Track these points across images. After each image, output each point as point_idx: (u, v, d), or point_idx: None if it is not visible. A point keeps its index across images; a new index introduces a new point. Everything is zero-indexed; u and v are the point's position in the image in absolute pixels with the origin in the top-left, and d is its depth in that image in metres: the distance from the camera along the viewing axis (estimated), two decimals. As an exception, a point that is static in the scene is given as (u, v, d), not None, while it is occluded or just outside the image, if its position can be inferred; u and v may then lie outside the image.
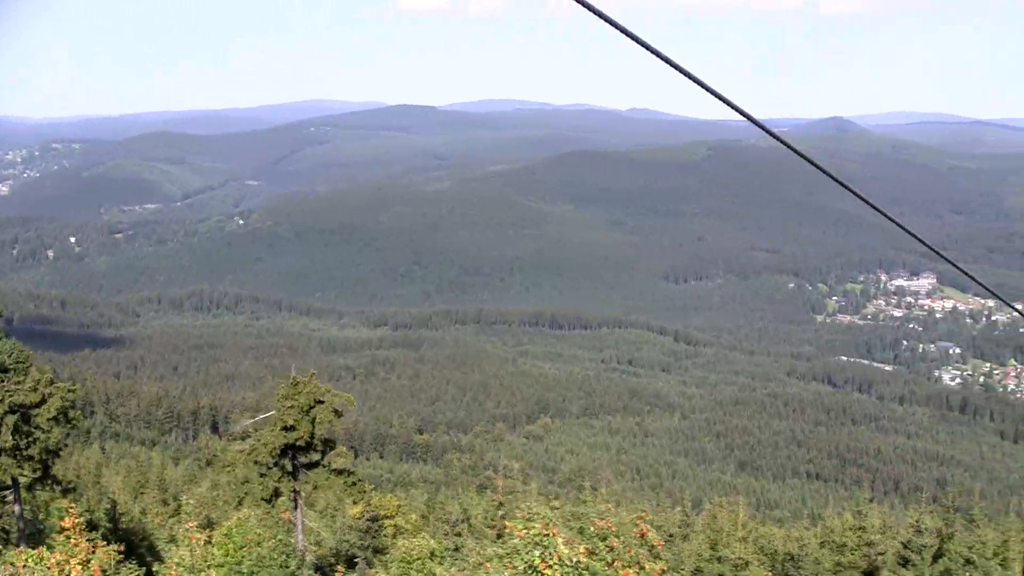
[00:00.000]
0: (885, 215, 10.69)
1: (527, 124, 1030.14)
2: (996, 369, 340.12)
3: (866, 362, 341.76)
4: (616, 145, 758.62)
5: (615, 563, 21.23)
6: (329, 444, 42.27)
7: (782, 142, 8.78)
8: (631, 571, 21.33)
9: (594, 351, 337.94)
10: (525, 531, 19.47)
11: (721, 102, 8.34)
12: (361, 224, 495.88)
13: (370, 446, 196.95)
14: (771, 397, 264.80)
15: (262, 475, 40.45)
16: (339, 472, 41.47)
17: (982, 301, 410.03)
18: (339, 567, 39.29)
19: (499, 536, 45.73)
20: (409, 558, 29.70)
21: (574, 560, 19.04)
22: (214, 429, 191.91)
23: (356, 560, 44.54)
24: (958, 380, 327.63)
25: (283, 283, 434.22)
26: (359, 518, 50.42)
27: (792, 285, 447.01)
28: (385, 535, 52.36)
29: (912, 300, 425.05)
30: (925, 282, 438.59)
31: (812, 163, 9.05)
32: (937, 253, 11.69)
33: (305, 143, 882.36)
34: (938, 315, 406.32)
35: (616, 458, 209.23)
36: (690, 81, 7.90)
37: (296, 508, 43.60)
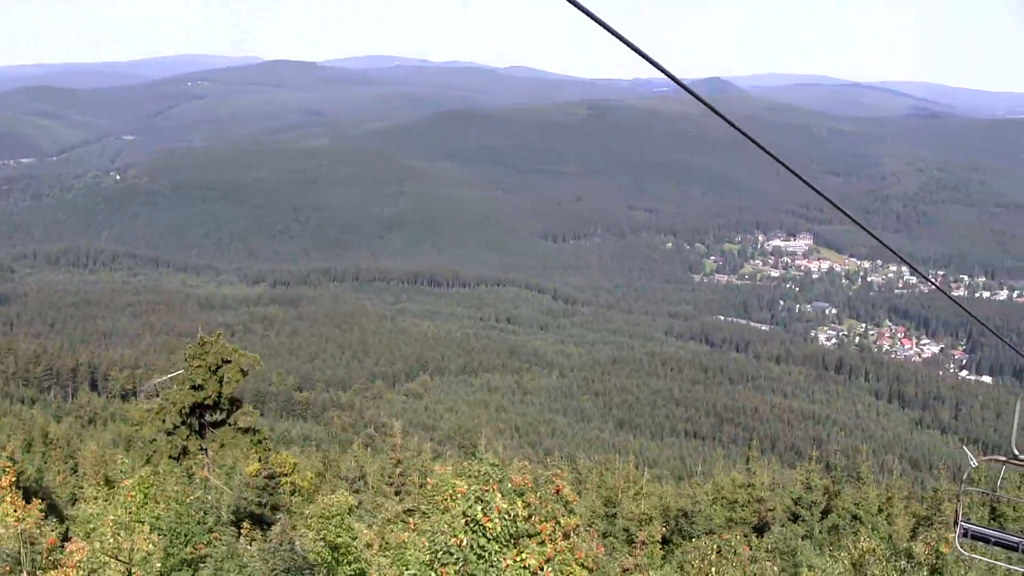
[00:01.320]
0: (807, 182, 11.22)
1: (406, 81, 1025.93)
2: (871, 329, 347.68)
3: (743, 322, 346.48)
4: (495, 103, 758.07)
5: (532, 518, 21.99)
6: (235, 403, 42.51)
7: (709, 105, 9.27)
8: (548, 526, 22.14)
9: (472, 309, 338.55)
10: (466, 487, 20.22)
11: (645, 60, 8.60)
12: (238, 180, 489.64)
13: (249, 404, 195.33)
14: (649, 356, 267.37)
15: (169, 434, 40.60)
16: (245, 430, 41.75)
17: (858, 262, 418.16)
18: (244, 523, 39.65)
19: (397, 493, 46.40)
20: (328, 514, 30.15)
21: (512, 514, 19.90)
22: (93, 386, 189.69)
23: (277, 517, 44.81)
24: (834, 340, 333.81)
25: (160, 239, 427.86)
26: (256, 476, 50.62)
27: (670, 245, 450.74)
28: (282, 493, 52.64)
29: (789, 260, 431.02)
30: (802, 243, 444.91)
31: (736, 127, 9.54)
32: (854, 220, 12.27)
33: (182, 98, 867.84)
34: (814, 275, 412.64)
35: (495, 416, 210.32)
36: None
37: (204, 466, 43.84)
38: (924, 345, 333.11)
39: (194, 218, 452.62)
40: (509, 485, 23.14)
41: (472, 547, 19.62)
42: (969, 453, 19.43)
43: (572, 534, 23.51)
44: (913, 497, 58.69)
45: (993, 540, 18.60)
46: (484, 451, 40.83)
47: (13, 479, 21.95)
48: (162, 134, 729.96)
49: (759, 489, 49.63)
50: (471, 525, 19.73)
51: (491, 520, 19.61)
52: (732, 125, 9.24)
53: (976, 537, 18.80)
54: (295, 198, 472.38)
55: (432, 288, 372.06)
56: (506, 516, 19.86)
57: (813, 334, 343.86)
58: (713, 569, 30.30)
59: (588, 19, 6.88)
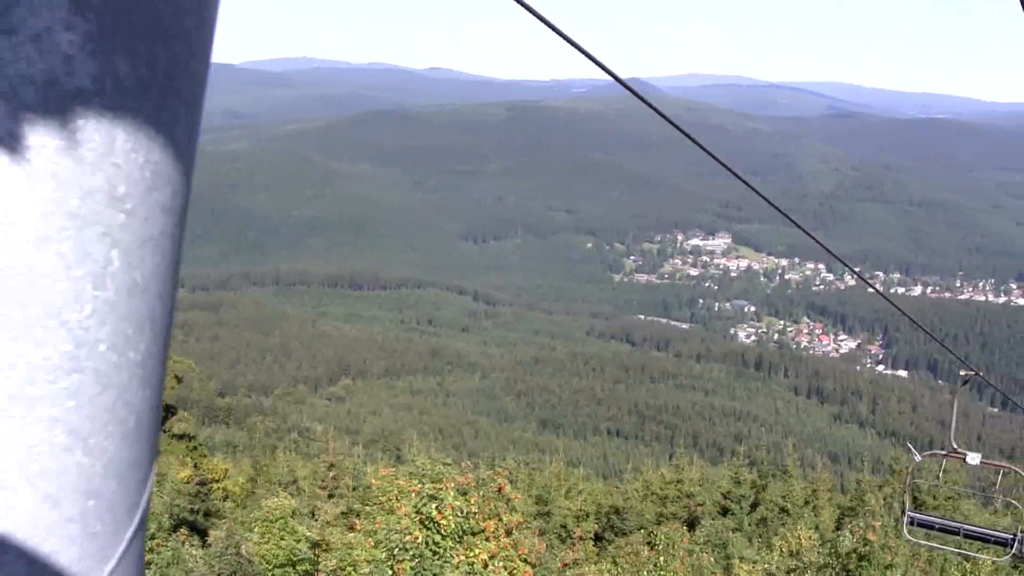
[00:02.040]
0: (755, 188, 11.58)
1: (325, 83, 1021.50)
2: (790, 326, 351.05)
3: (663, 320, 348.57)
4: (415, 104, 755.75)
5: (476, 515, 22.58)
6: (170, 410, 42.62)
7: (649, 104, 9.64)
8: (491, 523, 22.74)
9: (394, 311, 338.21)
10: (420, 485, 20.82)
11: (584, 55, 8.59)
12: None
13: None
14: (571, 356, 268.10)
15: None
16: (180, 437, 41.87)
17: (775, 260, 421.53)
18: (182, 530, 39.71)
19: (331, 496, 46.68)
20: (272, 517, 30.47)
21: (464, 511, 20.51)
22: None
23: (212, 523, 44.86)
24: (753, 337, 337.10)
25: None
26: (187, 482, 50.57)
27: (590, 245, 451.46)
28: (215, 499, 52.61)
29: (708, 259, 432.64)
30: (720, 241, 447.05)
31: (681, 130, 9.96)
32: (802, 228, 12.76)
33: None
34: (733, 274, 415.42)
35: (418, 419, 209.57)
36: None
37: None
38: (841, 341, 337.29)
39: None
40: (453, 484, 23.71)
41: (427, 543, 20.26)
42: (912, 448, 21.07)
43: (515, 531, 24.10)
44: (835, 489, 60.11)
45: (937, 527, 20.52)
46: (416, 453, 41.27)
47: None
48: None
49: (688, 485, 50.67)
50: (426, 522, 20.36)
51: (445, 517, 20.27)
52: (682, 131, 9.61)
53: (922, 524, 20.65)
54: (213, 201, 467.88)
55: (353, 291, 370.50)
56: (459, 513, 20.52)
57: (732, 332, 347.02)
58: (661, 558, 31.19)
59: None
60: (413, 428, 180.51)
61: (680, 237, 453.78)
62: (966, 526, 21.06)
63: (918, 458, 20.90)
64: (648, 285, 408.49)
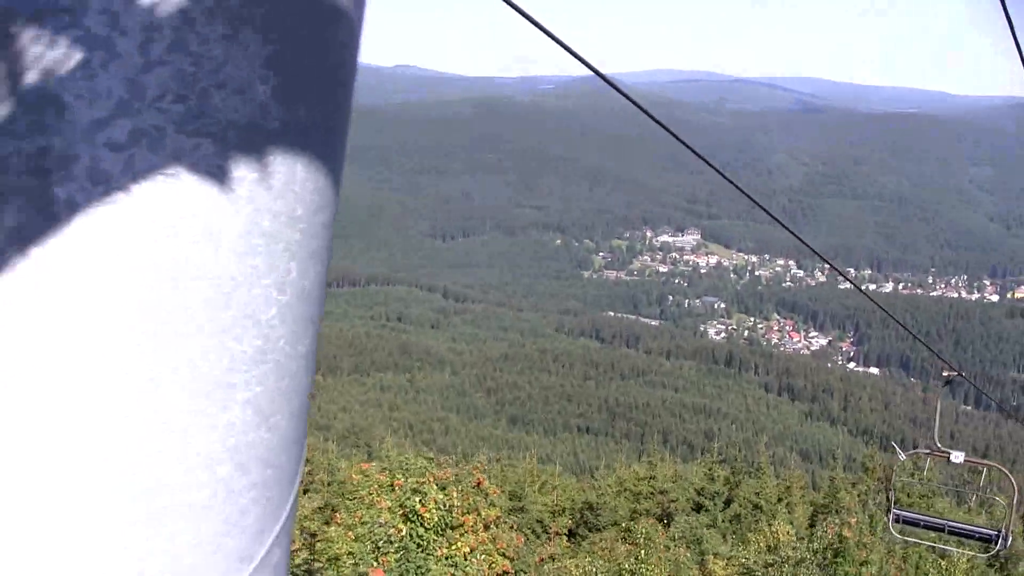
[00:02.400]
0: (735, 183, 11.50)
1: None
2: (760, 323, 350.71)
3: (633, 317, 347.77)
4: (381, 102, 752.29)
5: (455, 510, 22.69)
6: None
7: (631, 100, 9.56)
8: (470, 517, 22.85)
9: (363, 308, 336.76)
10: (403, 480, 20.90)
11: (561, 47, 8.49)
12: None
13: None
14: (540, 352, 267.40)
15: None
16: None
17: (745, 256, 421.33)
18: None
19: (306, 491, 46.67)
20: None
21: (448, 505, 20.60)
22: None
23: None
24: (723, 334, 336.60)
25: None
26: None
27: (559, 242, 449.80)
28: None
29: (677, 256, 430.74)
30: (690, 238, 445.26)
31: (659, 122, 9.92)
32: (779, 221, 12.73)
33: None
34: (703, 270, 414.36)
35: (388, 415, 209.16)
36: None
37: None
38: (812, 338, 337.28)
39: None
40: (433, 478, 23.83)
41: (411, 536, 20.38)
42: (897, 448, 21.39)
43: (493, 525, 24.23)
44: (807, 487, 60.42)
45: (922, 524, 20.91)
46: (390, 449, 41.36)
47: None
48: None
49: (661, 481, 50.81)
50: (410, 515, 20.46)
51: (428, 511, 20.38)
52: (664, 126, 9.55)
53: (907, 522, 21.01)
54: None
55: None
56: (442, 507, 20.63)
57: (702, 328, 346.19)
58: (642, 552, 31.35)
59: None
60: (383, 424, 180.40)
61: (649, 233, 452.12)
62: (951, 523, 21.39)
63: (903, 457, 21.18)
64: (617, 282, 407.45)
